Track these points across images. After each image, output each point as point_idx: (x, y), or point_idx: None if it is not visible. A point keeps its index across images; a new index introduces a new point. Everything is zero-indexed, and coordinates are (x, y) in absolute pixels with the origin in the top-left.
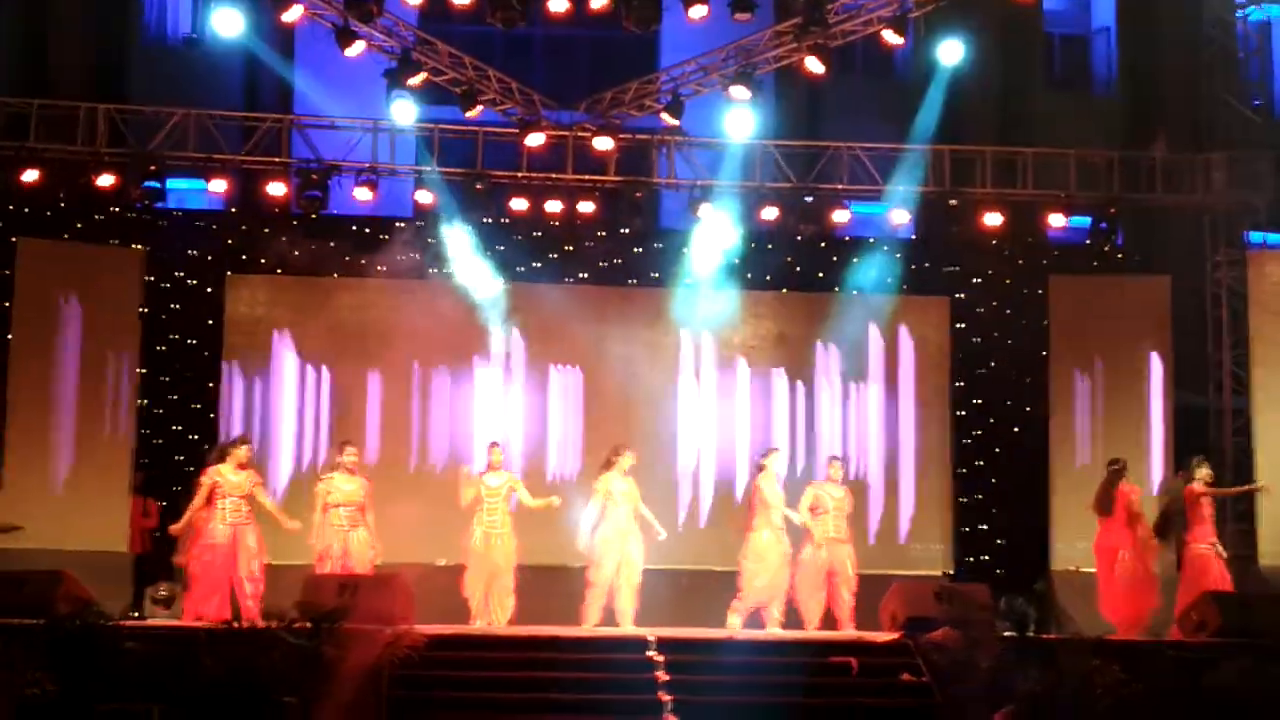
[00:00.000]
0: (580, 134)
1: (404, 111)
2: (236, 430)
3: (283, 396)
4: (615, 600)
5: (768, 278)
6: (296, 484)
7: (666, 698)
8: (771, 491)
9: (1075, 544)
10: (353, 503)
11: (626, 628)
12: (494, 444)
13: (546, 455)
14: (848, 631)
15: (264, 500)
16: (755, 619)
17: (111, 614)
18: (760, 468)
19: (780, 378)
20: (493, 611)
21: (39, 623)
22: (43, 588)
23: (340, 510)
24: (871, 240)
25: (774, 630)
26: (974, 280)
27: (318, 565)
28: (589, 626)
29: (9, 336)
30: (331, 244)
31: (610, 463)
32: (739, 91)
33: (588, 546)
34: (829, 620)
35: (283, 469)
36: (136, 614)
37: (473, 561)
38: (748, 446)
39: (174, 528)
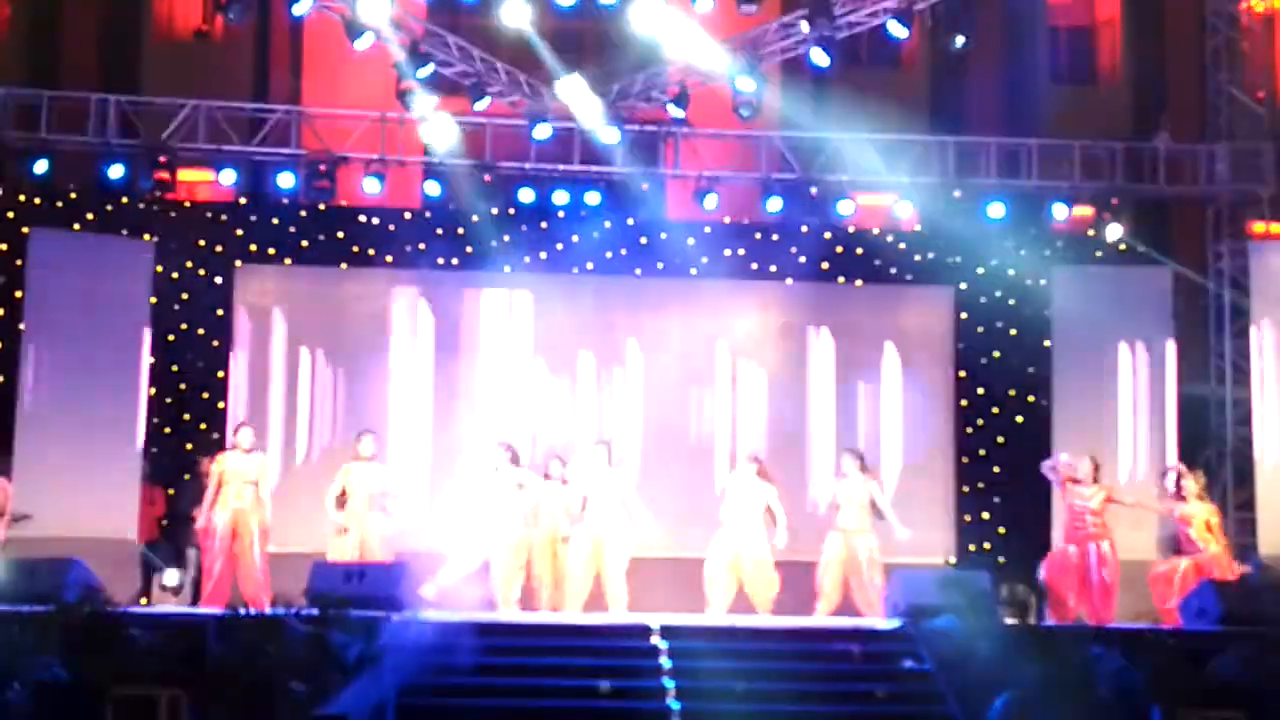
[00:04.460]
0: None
1: (412, 103)
2: (240, 421)
3: (291, 386)
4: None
5: (773, 268)
6: (305, 472)
7: (670, 684)
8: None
9: None
10: (366, 490)
11: (620, 614)
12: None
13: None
14: (850, 618)
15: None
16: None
17: (120, 601)
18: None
19: (785, 367)
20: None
21: (50, 609)
22: (53, 575)
23: (356, 497)
24: (876, 231)
25: (766, 616)
26: (978, 270)
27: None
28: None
29: (20, 326)
30: (340, 234)
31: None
32: (745, 83)
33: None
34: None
35: (293, 457)
36: (145, 600)
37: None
38: (753, 436)
39: (198, 525)
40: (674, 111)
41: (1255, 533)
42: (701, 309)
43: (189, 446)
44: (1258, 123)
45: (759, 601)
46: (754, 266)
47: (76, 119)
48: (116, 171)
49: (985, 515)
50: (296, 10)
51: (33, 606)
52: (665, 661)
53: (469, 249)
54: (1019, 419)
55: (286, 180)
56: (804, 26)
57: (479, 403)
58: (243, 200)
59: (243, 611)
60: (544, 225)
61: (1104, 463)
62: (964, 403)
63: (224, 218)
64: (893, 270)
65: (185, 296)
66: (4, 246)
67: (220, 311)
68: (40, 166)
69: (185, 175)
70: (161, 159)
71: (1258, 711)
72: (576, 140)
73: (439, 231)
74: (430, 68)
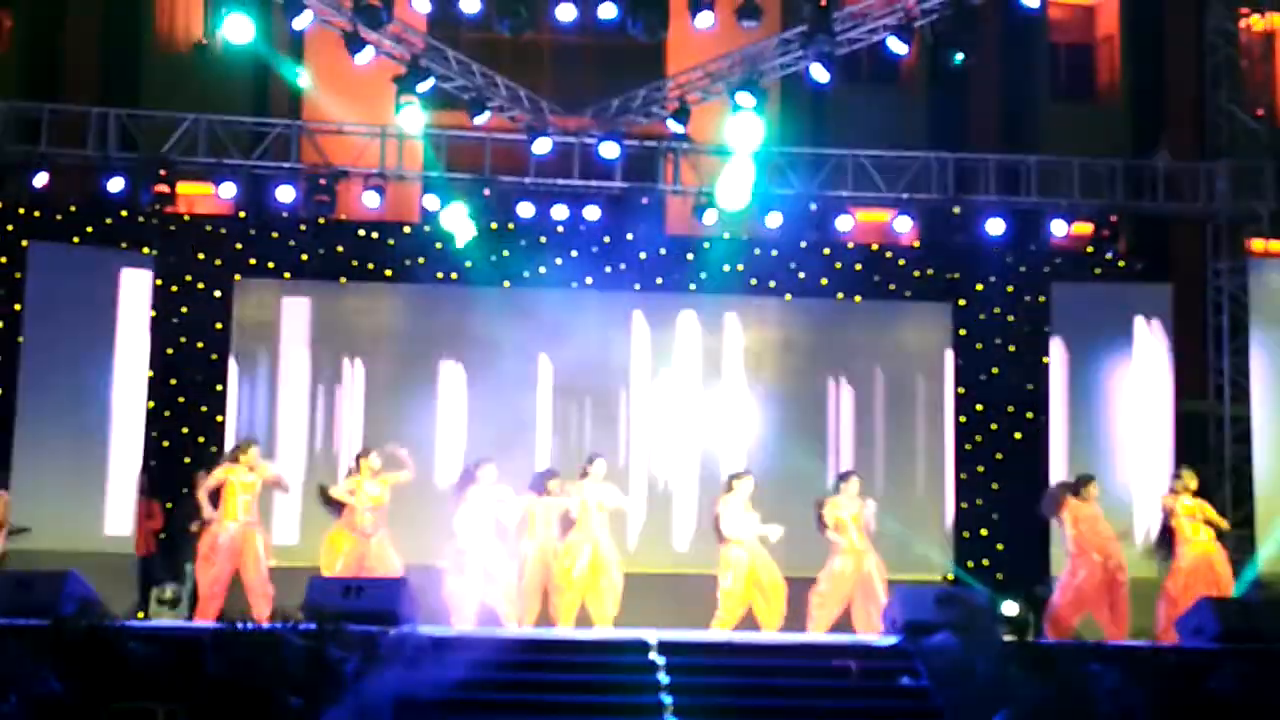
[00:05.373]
0: (587, 140)
1: (412, 118)
2: (244, 434)
3: (290, 400)
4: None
5: (772, 284)
6: (305, 486)
7: (668, 700)
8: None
9: None
10: (379, 506)
11: (618, 630)
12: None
13: (555, 459)
14: (849, 634)
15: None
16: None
17: (117, 615)
18: (729, 488)
19: (784, 384)
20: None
21: (46, 622)
22: (50, 588)
23: (365, 514)
24: (875, 247)
25: (765, 632)
26: (976, 287)
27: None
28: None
29: (19, 339)
30: (339, 248)
31: (585, 472)
32: (745, 99)
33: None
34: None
35: (291, 473)
36: (142, 614)
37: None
38: (751, 453)
39: (206, 513)
40: (674, 126)
41: (1253, 550)
42: (701, 325)
43: (187, 460)
44: (1257, 140)
45: (770, 618)
46: (753, 282)
47: (76, 132)
48: (116, 185)
49: (983, 532)
50: (297, 24)
51: (29, 619)
52: (663, 678)
53: (468, 263)
54: (1017, 435)
55: (286, 194)
56: (804, 42)
57: (479, 416)
58: (242, 214)
59: (240, 625)
60: (543, 240)
61: (1102, 480)
62: (962, 419)
63: (223, 231)
64: (891, 286)
65: (184, 310)
66: (3, 259)
67: (219, 325)
68: (40, 179)
69: (185, 189)
70: (161, 172)
71: None
72: (576, 155)
73: (438, 246)
74: (430, 82)
